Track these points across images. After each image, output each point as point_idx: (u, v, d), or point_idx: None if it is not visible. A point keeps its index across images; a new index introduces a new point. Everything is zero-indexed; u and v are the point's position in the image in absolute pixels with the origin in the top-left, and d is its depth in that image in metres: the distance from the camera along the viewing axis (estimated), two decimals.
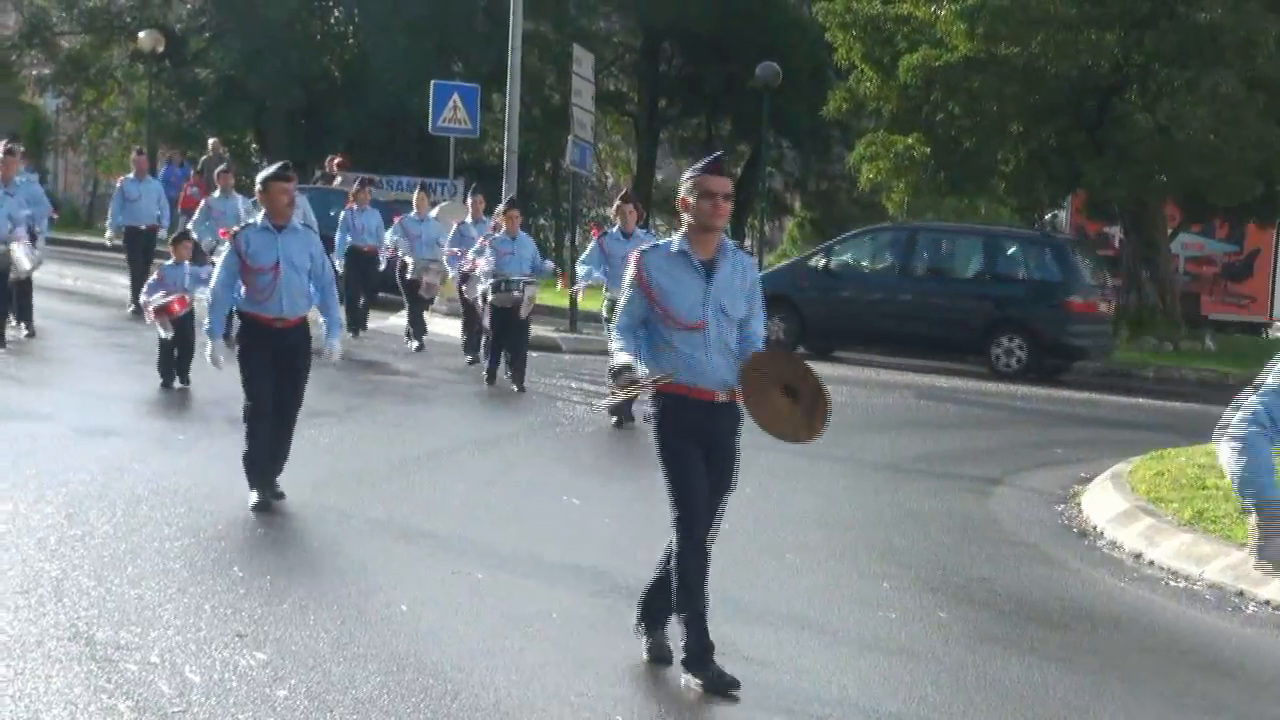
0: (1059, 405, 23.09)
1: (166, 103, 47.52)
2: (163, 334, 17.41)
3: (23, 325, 21.43)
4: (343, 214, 25.14)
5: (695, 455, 8.53)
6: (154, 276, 18.04)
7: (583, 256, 18.78)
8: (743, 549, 12.14)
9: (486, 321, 20.36)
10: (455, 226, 23.45)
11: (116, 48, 51.02)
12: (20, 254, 19.85)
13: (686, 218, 8.50)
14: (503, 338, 20.03)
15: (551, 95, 47.79)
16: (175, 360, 17.73)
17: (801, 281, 28.22)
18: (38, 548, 10.37)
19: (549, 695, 8.12)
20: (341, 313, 15.50)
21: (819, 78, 42.49)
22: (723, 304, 8.45)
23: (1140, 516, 13.31)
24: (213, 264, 19.71)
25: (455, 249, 22.66)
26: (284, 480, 13.24)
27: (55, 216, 23.30)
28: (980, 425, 20.58)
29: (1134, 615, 10.94)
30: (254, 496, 12.06)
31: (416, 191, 25.66)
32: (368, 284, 25.21)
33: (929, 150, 33.50)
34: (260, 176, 12.49)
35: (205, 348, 12.45)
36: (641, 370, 8.39)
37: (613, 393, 8.95)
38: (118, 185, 25.96)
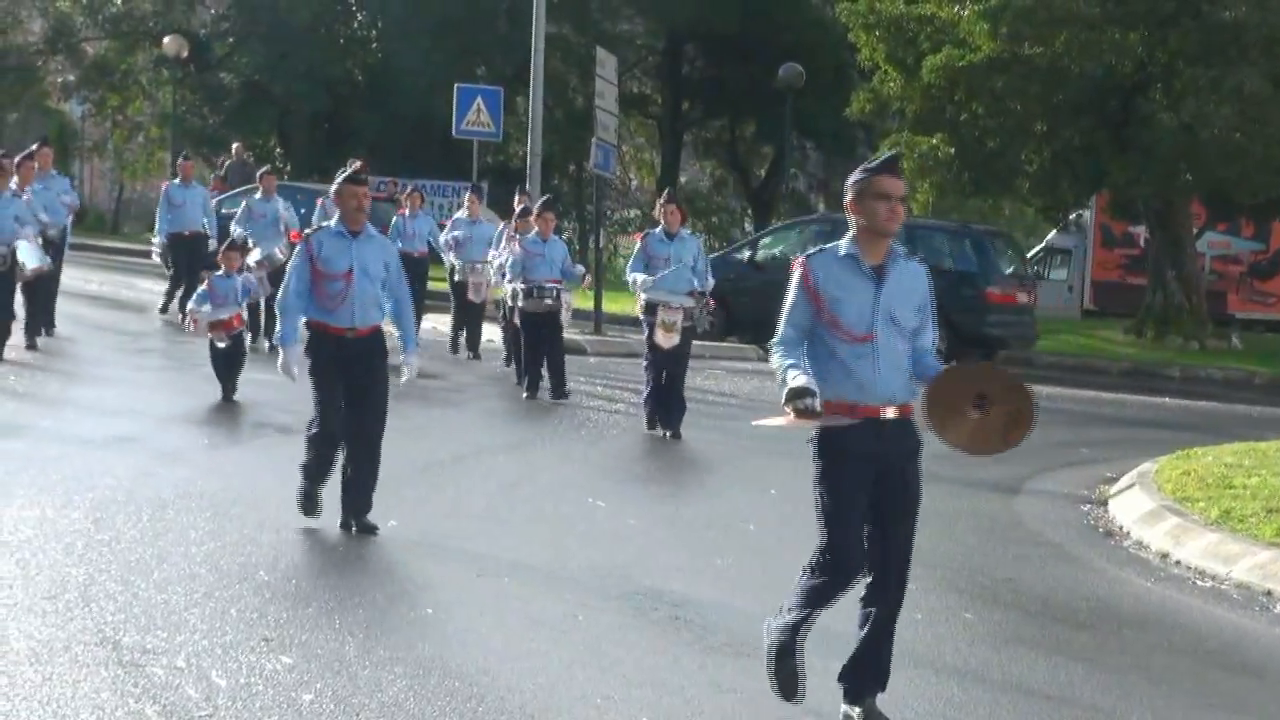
0: (1085, 405, 23.04)
1: (191, 107, 47.66)
2: (220, 344, 17.21)
3: (42, 330, 21.44)
4: (394, 219, 24.66)
5: (857, 482, 7.95)
6: (203, 287, 17.70)
7: (630, 263, 18.05)
8: (765, 549, 12.14)
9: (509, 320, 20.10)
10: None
11: (141, 53, 51.15)
12: (25, 254, 19.42)
13: (857, 221, 7.81)
14: (538, 346, 19.47)
15: (575, 98, 47.82)
16: (229, 371, 17.38)
17: (729, 273, 28.11)
18: (65, 553, 10.40)
19: (575, 698, 8.12)
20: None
21: (842, 78, 42.46)
22: (893, 313, 7.81)
23: (1167, 516, 13.27)
24: (250, 269, 19.94)
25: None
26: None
27: (70, 213, 22.46)
28: None
29: (1160, 615, 10.92)
30: (302, 502, 11.77)
31: (468, 194, 25.54)
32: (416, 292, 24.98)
33: (953, 151, 33.45)
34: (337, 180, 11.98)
35: (278, 357, 11.85)
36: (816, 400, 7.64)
37: (784, 415, 7.81)
38: (163, 190, 25.46)
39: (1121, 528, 13.66)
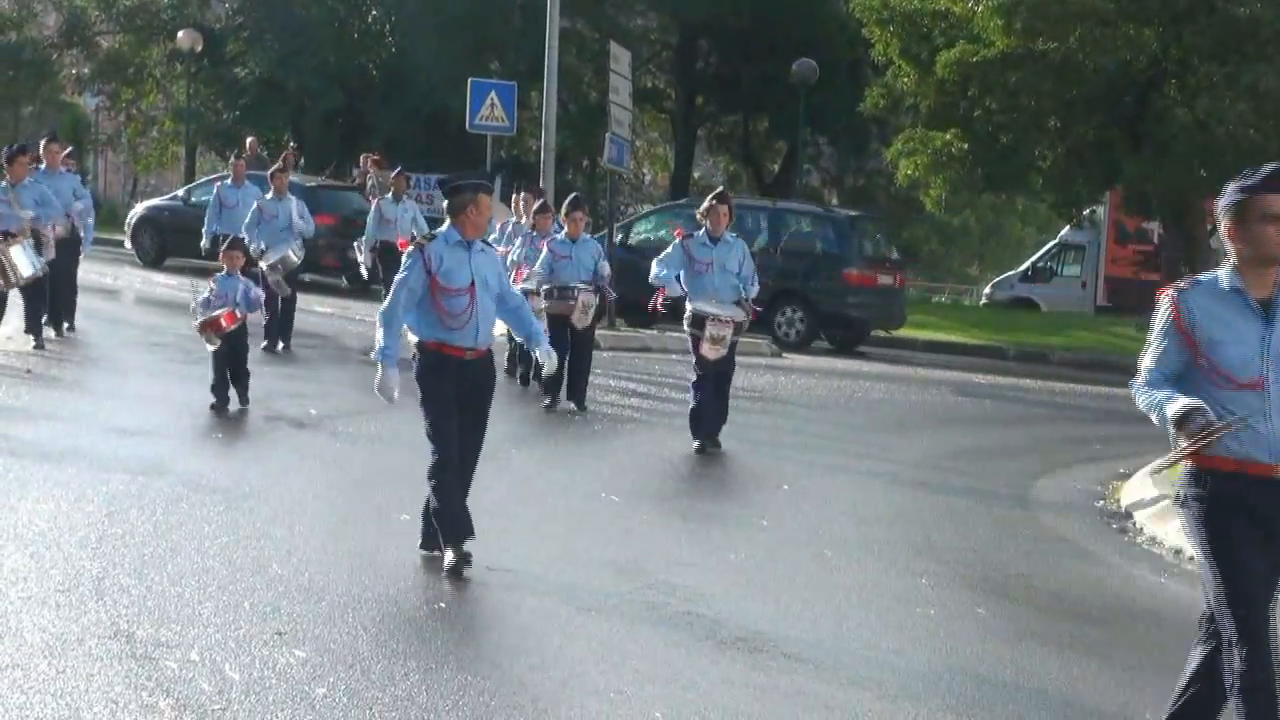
0: (1098, 401, 23.02)
1: (205, 102, 47.69)
2: (209, 347, 16.18)
3: (63, 325, 21.49)
4: (375, 204, 24.67)
5: (1249, 543, 6.78)
6: (205, 292, 16.62)
7: (660, 256, 16.58)
8: (780, 546, 12.14)
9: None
10: (501, 227, 22.06)
11: (155, 47, 51.21)
12: (18, 258, 18.90)
13: (1237, 249, 6.78)
14: (560, 350, 17.82)
15: (589, 92, 47.81)
16: (231, 381, 16.32)
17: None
18: (79, 546, 10.41)
19: (587, 693, 8.13)
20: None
21: (856, 74, 42.41)
22: None
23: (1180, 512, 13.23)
24: (254, 275, 19.55)
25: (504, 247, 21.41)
26: (321, 479, 13.27)
27: (72, 214, 21.15)
28: (1018, 421, 20.54)
29: (1174, 610, 10.90)
30: (449, 556, 10.47)
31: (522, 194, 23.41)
32: None
33: (966, 146, 33.42)
34: (453, 184, 10.97)
35: (375, 376, 10.80)
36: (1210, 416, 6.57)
37: (1180, 447, 6.78)
38: (214, 191, 24.34)
39: (1135, 523, 13.66)
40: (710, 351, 16.03)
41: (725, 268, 16.07)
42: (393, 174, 26.00)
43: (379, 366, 10.73)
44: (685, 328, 16.29)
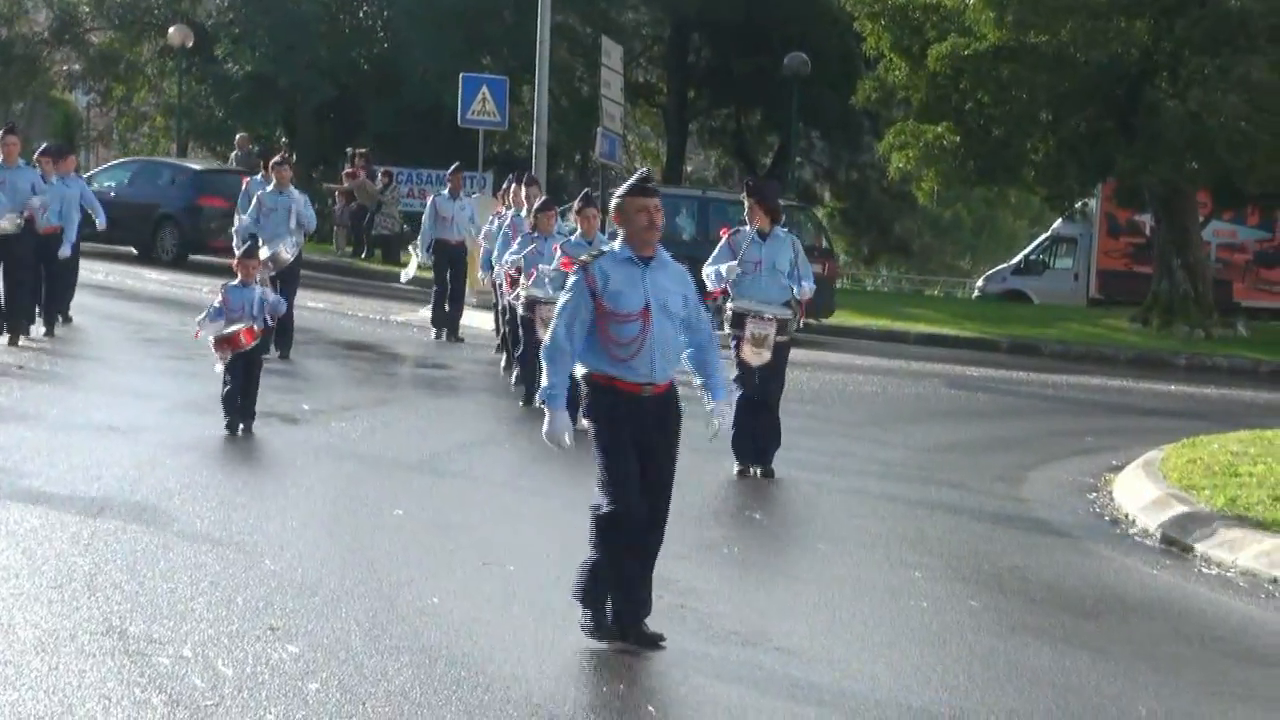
0: (1090, 393, 23.03)
1: (196, 98, 47.61)
2: (217, 367, 14.71)
3: (58, 319, 21.49)
4: (431, 201, 23.99)
5: None
6: (216, 301, 15.15)
7: (711, 259, 14.82)
8: (773, 539, 12.15)
9: (542, 333, 17.17)
10: (498, 220, 21.26)
11: (146, 43, 51.14)
12: None
13: None
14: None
15: (581, 87, 47.76)
16: (240, 404, 14.86)
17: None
18: (71, 542, 10.41)
19: (581, 687, 8.13)
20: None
21: (848, 67, 42.38)
22: None
23: (1173, 504, 13.27)
24: (268, 284, 19.04)
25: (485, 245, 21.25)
26: (313, 475, 13.24)
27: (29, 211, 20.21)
28: (1011, 414, 20.55)
29: (1167, 603, 10.92)
30: (587, 619, 8.99)
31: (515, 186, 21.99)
32: (458, 289, 24.11)
33: (958, 139, 33.42)
34: (618, 192, 9.31)
35: (544, 423, 9.22)
36: None
37: None
38: (255, 198, 21.88)
39: (1128, 515, 13.66)
40: (751, 354, 14.43)
41: (776, 266, 14.49)
42: (449, 171, 24.53)
43: (546, 410, 9.16)
44: (725, 329, 14.39)
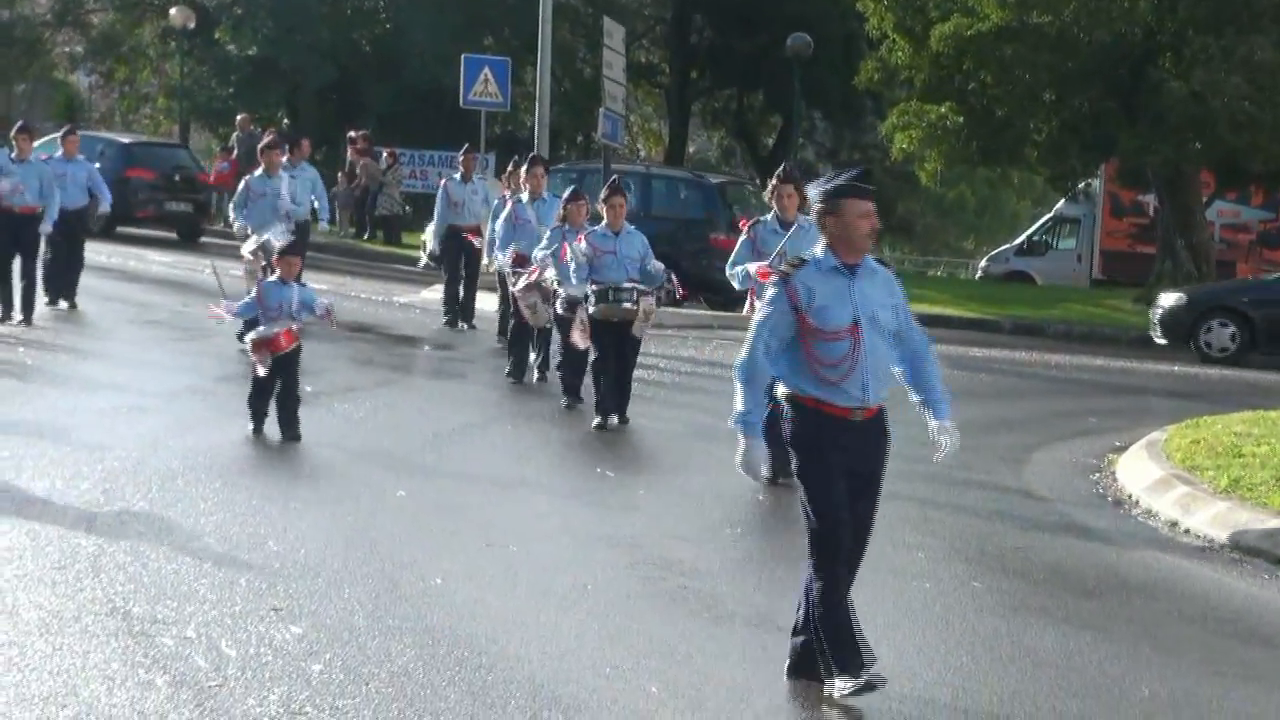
0: (1093, 374, 23.02)
1: (198, 80, 47.58)
2: (260, 371, 13.79)
3: (60, 299, 21.51)
4: (443, 185, 23.08)
5: None
6: (250, 295, 14.62)
7: (733, 256, 13.94)
8: (776, 520, 12.15)
9: (578, 337, 15.91)
10: (503, 202, 20.11)
11: (148, 24, 51.13)
12: None
13: None
14: (607, 360, 15.55)
15: (583, 68, 47.76)
16: (278, 408, 13.92)
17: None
18: (75, 524, 10.41)
19: (584, 667, 8.13)
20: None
21: (851, 48, 42.37)
22: None
23: (1176, 484, 13.27)
24: (247, 261, 18.20)
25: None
26: (316, 456, 13.24)
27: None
28: (1014, 394, 20.53)
29: (1169, 584, 10.92)
30: (843, 683, 7.90)
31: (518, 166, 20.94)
32: (471, 274, 23.22)
33: (961, 120, 33.39)
34: (820, 189, 8.08)
35: (738, 451, 8.06)
36: None
37: None
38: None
39: (1130, 496, 13.66)
40: None
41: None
42: (461, 152, 23.81)
43: (739, 436, 8.05)
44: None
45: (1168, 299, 26.28)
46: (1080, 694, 8.27)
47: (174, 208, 35.58)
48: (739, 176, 37.72)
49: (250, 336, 14.08)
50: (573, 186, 18.32)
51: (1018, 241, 45.90)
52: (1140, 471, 14.18)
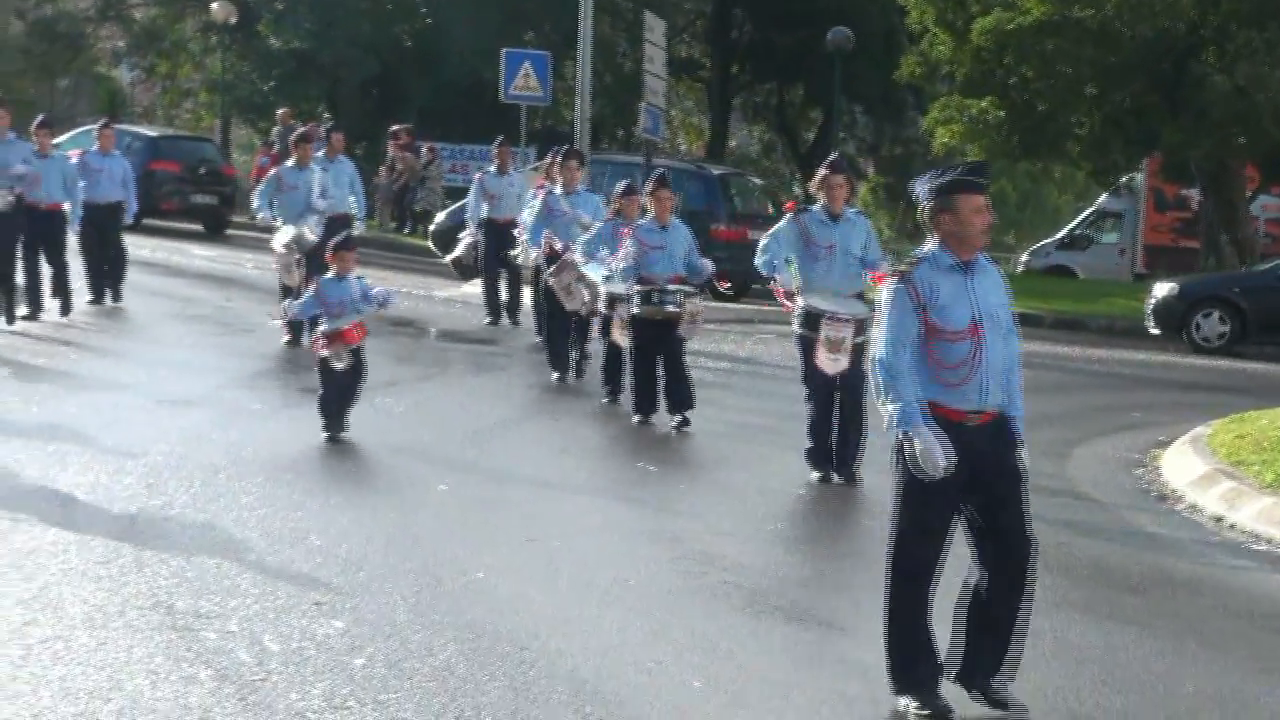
0: (1135, 369, 22.92)
1: (240, 74, 47.71)
2: (337, 365, 13.56)
3: (106, 294, 21.53)
4: (478, 177, 22.76)
5: None
6: (309, 293, 14.44)
7: (767, 241, 13.33)
8: (818, 515, 12.13)
9: (617, 335, 15.80)
10: (537, 195, 19.54)
11: (190, 19, 51.32)
12: None
13: None
14: (649, 362, 15.18)
15: (624, 62, 47.72)
16: (336, 405, 13.68)
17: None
18: (119, 518, 10.46)
19: (626, 663, 8.13)
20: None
21: (891, 42, 42.26)
22: None
23: (1220, 480, 13.20)
24: (296, 267, 18.16)
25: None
26: (357, 451, 13.24)
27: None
28: (1056, 389, 20.44)
29: (1214, 579, 10.87)
30: (915, 710, 7.62)
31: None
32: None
33: (1003, 114, 33.30)
34: (930, 185, 7.86)
35: (910, 447, 7.57)
36: None
37: None
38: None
39: (1174, 491, 13.59)
40: (829, 363, 12.77)
41: (849, 251, 12.87)
42: (495, 145, 23.34)
43: (909, 435, 7.57)
44: (795, 328, 13.15)
45: (1161, 289, 26.27)
46: (1124, 690, 8.24)
47: (199, 200, 35.94)
48: (742, 170, 37.65)
49: (320, 330, 13.87)
50: (626, 181, 17.74)
51: (1059, 236, 45.70)
52: (1185, 466, 14.11)
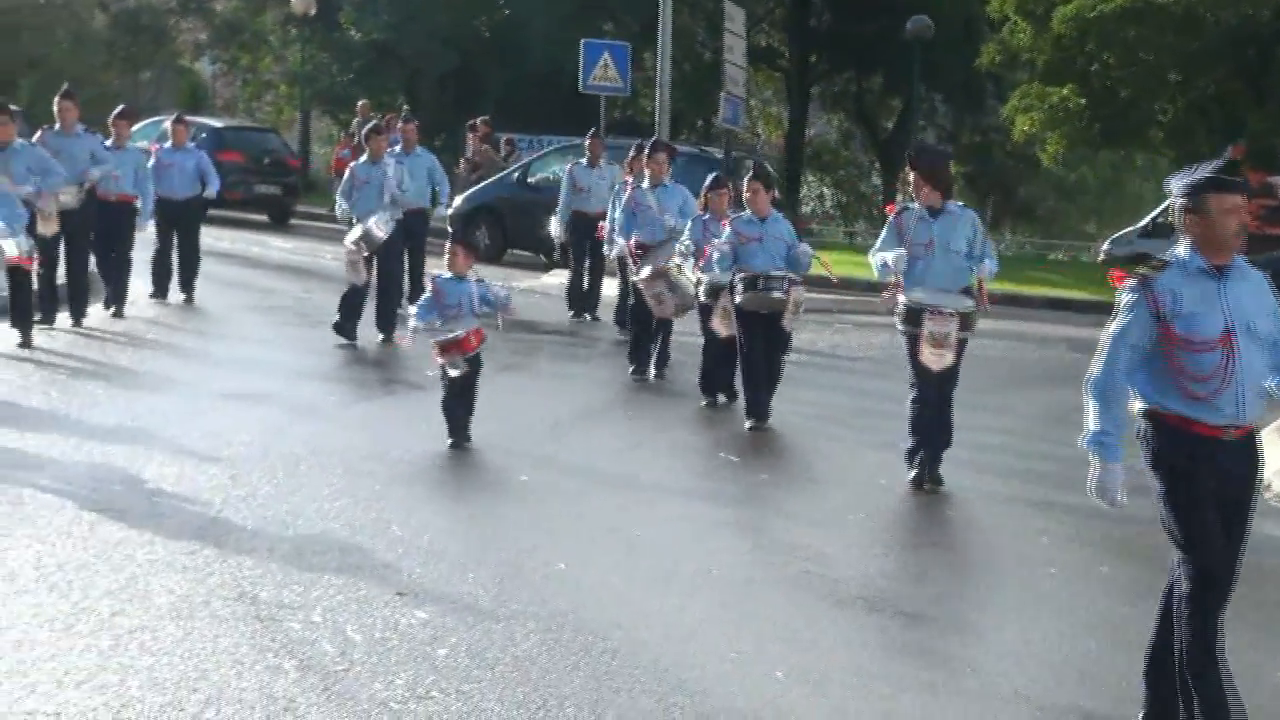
0: None
1: (319, 66, 47.93)
2: (453, 372, 13.14)
3: (181, 289, 21.63)
4: (568, 170, 22.38)
5: None
6: (428, 293, 13.82)
7: (877, 245, 12.91)
8: (900, 504, 12.09)
9: (716, 324, 15.60)
10: (624, 188, 19.36)
11: (270, 11, 51.63)
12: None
13: None
14: (757, 353, 14.89)
15: (702, 52, 47.64)
16: (460, 409, 13.32)
17: (503, 193, 30.30)
18: (203, 509, 10.53)
19: (708, 653, 8.12)
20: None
21: (971, 30, 42.05)
22: None
23: None
24: (363, 265, 18.06)
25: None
26: (437, 441, 13.25)
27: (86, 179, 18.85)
28: None
29: None
30: None
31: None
32: (596, 264, 22.31)
33: (1084, 101, 33.08)
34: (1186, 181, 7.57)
35: (1091, 474, 7.64)
36: None
37: None
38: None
39: (1262, 480, 13.44)
40: (934, 359, 12.40)
41: (950, 247, 12.52)
42: (587, 136, 22.85)
43: (1093, 458, 7.53)
44: (898, 325, 12.71)
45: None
46: None
47: (263, 190, 36.26)
48: (747, 151, 37.32)
49: (437, 340, 13.24)
50: (715, 173, 17.59)
51: (1142, 224, 45.30)
52: (1273, 455, 13.94)
